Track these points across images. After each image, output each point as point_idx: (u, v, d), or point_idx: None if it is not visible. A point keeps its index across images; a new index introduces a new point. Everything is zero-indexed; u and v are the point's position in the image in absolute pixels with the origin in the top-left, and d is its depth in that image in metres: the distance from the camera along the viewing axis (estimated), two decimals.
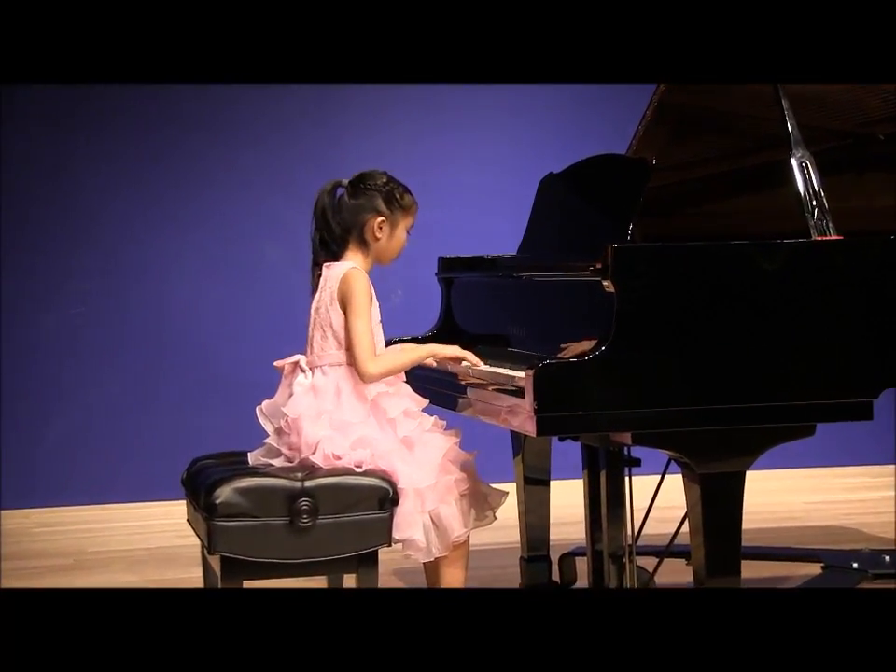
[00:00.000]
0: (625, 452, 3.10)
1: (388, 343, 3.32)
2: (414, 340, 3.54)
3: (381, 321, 3.12)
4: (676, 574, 3.45)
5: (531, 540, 3.65)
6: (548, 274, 3.11)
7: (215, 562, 2.89)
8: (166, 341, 5.76)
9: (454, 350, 3.14)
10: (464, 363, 3.12)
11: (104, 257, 5.73)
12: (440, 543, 2.95)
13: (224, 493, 2.81)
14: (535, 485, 3.65)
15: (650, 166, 3.02)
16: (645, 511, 3.32)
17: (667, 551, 3.25)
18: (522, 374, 2.71)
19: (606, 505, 3.13)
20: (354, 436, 2.95)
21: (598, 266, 2.72)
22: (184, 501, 3.15)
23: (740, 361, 2.73)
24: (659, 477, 3.23)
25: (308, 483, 2.84)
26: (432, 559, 2.97)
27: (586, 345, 2.73)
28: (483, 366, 3.07)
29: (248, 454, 3.07)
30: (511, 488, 3.27)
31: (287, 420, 2.97)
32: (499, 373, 2.95)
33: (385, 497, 2.87)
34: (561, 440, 3.22)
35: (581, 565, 3.42)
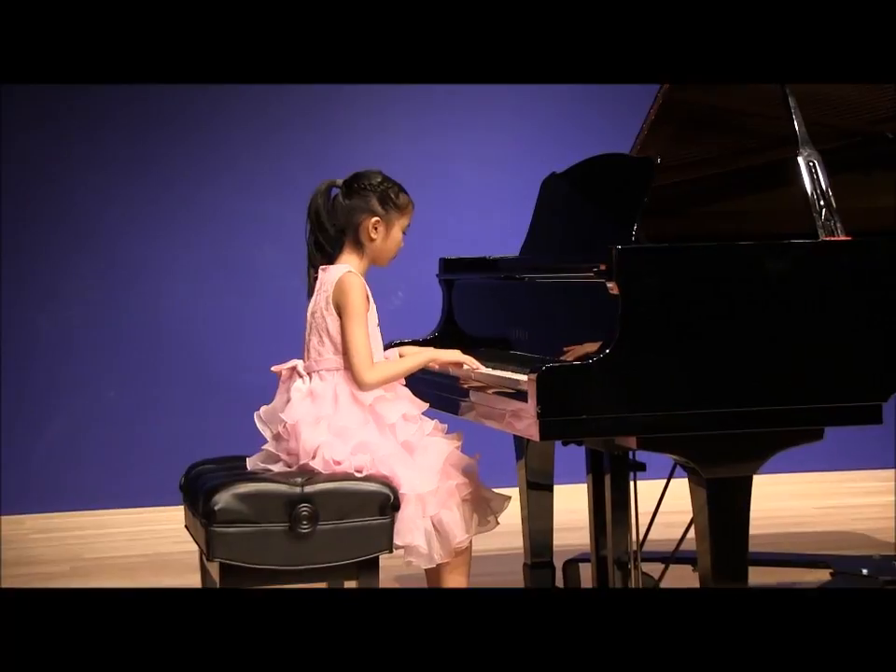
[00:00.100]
0: (630, 456, 3.09)
1: (389, 346, 3.30)
2: (415, 342, 3.52)
3: (379, 324, 3.10)
4: (682, 580, 3.42)
5: (534, 546, 3.64)
6: (551, 276, 3.09)
7: (213, 568, 2.87)
8: (163, 346, 5.77)
9: (454, 355, 3.11)
10: (465, 367, 3.09)
11: (101, 259, 5.74)
12: (441, 549, 2.94)
13: (223, 498, 2.80)
14: (538, 490, 3.63)
15: (654, 165, 3.00)
16: (650, 516, 3.30)
17: (673, 556, 3.24)
18: (525, 378, 2.70)
19: (610, 510, 3.12)
20: (354, 441, 2.94)
21: (602, 267, 2.70)
22: (182, 507, 3.14)
23: (747, 364, 2.71)
24: (665, 481, 3.23)
25: (308, 489, 2.83)
26: (434, 565, 2.95)
27: (590, 348, 2.71)
28: (484, 369, 3.04)
29: (247, 459, 3.05)
30: (513, 493, 3.25)
31: (285, 426, 2.96)
32: (502, 377, 2.93)
33: (386, 503, 2.86)
34: (565, 444, 3.20)
35: (586, 571, 3.42)
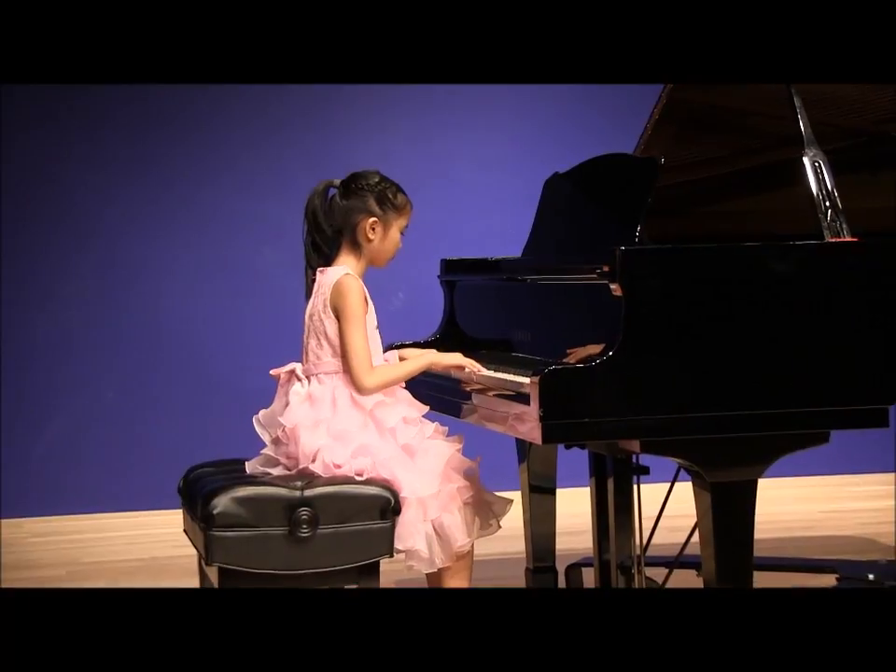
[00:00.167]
0: (634, 459, 3.08)
1: (389, 348, 3.28)
2: (416, 344, 3.50)
3: (378, 326, 3.09)
4: (686, 585, 3.42)
5: (537, 551, 3.62)
6: (554, 277, 3.07)
7: (212, 573, 2.86)
8: (163, 346, 5.76)
9: (454, 358, 3.09)
10: (467, 370, 3.07)
11: (100, 259, 5.73)
12: (443, 553, 2.92)
13: (222, 502, 2.78)
14: (541, 494, 3.62)
15: (659, 165, 2.99)
16: (654, 521, 3.29)
17: (677, 561, 3.22)
18: (527, 380, 2.69)
19: (614, 514, 3.11)
20: (354, 444, 2.92)
21: (606, 269, 2.68)
22: (180, 510, 3.12)
23: (752, 366, 2.69)
24: (668, 485, 3.22)
25: (308, 493, 2.82)
26: (435, 570, 2.94)
27: (593, 350, 2.69)
28: (486, 371, 3.03)
29: (246, 462, 3.04)
30: (515, 496, 3.24)
31: (284, 430, 2.95)
32: (504, 379, 2.92)
33: (387, 507, 2.84)
34: (568, 447, 3.20)
35: (589, 575, 3.42)
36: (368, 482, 2.87)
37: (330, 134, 5.85)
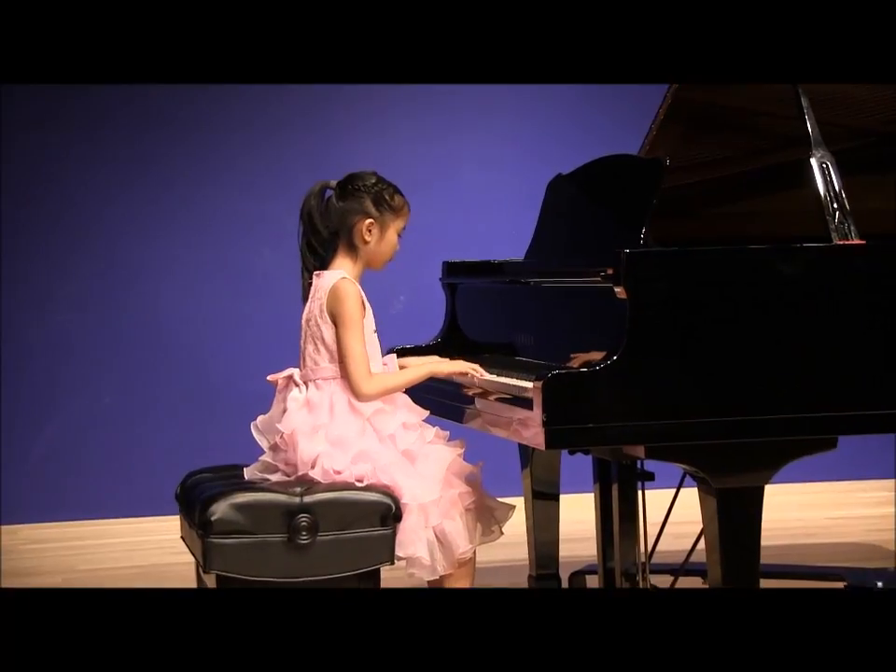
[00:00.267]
0: (638, 465, 3.08)
1: (390, 352, 3.26)
2: (417, 348, 3.49)
3: (376, 330, 3.06)
4: None
5: (540, 557, 3.62)
6: (557, 280, 3.05)
7: (210, 580, 2.84)
8: (162, 347, 5.77)
9: (456, 365, 3.07)
10: (469, 374, 3.05)
11: (100, 259, 5.74)
12: (444, 560, 2.90)
13: (220, 509, 2.77)
14: (544, 500, 3.61)
15: (664, 166, 2.97)
16: (659, 527, 3.29)
17: (682, 568, 3.22)
18: (530, 385, 2.67)
19: (618, 521, 3.12)
20: (354, 450, 2.91)
21: (610, 271, 2.66)
22: (178, 517, 3.11)
23: (758, 371, 2.67)
24: (674, 491, 3.22)
25: (307, 499, 2.80)
26: (437, 577, 2.92)
27: (597, 354, 2.67)
28: (489, 376, 3.01)
29: (244, 469, 3.02)
30: (518, 502, 3.23)
31: (282, 436, 2.93)
32: (507, 384, 2.90)
33: (388, 513, 2.83)
34: (571, 452, 3.18)
35: (593, 583, 3.45)
36: (368, 488, 2.85)
37: (331, 135, 5.85)
